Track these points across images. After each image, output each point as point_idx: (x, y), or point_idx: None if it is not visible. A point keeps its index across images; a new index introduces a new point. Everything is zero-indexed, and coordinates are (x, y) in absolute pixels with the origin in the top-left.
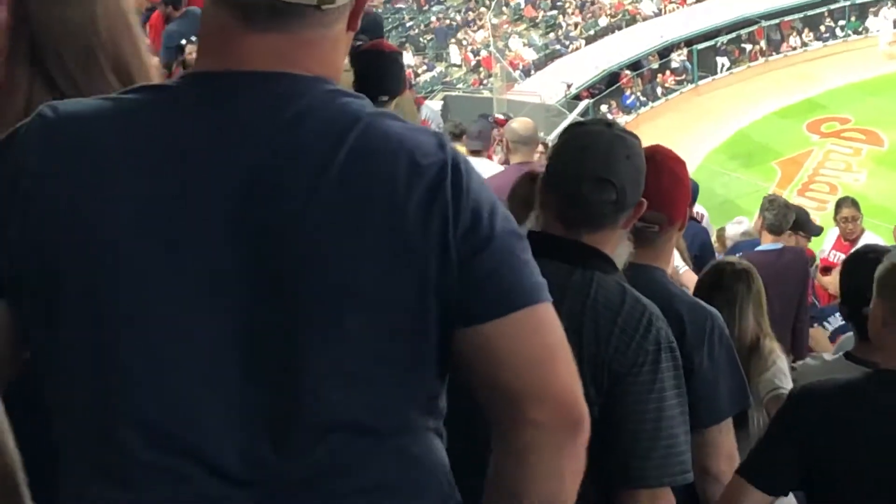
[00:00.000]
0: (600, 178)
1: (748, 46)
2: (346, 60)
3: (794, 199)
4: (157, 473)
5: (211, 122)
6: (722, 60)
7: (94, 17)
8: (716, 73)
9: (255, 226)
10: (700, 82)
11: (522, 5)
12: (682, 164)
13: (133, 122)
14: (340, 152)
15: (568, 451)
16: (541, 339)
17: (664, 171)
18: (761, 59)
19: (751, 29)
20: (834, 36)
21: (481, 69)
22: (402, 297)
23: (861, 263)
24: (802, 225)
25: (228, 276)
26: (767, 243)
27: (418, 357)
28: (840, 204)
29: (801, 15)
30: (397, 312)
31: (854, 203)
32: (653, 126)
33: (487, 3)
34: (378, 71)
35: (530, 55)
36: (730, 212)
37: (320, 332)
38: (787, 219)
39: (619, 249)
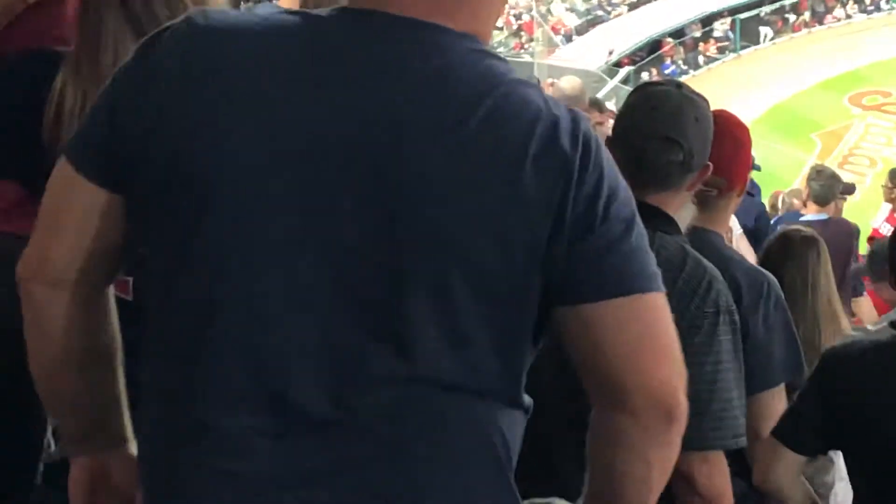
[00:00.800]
0: (668, 137)
1: (792, 17)
2: None
3: None
4: (239, 401)
5: (351, 59)
6: (765, 30)
7: None
8: (759, 43)
9: (374, 168)
10: (742, 52)
11: None
12: (744, 129)
13: (276, 44)
14: (475, 113)
15: (659, 440)
16: (643, 327)
17: (727, 135)
18: (805, 31)
19: None
20: (879, 8)
21: (522, 33)
22: (511, 263)
23: None
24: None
25: (338, 213)
26: (812, 213)
27: (517, 326)
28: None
29: None
30: (503, 278)
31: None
32: None
33: None
34: None
35: (572, 20)
36: (769, 183)
37: (423, 284)
38: (833, 190)
39: (683, 212)
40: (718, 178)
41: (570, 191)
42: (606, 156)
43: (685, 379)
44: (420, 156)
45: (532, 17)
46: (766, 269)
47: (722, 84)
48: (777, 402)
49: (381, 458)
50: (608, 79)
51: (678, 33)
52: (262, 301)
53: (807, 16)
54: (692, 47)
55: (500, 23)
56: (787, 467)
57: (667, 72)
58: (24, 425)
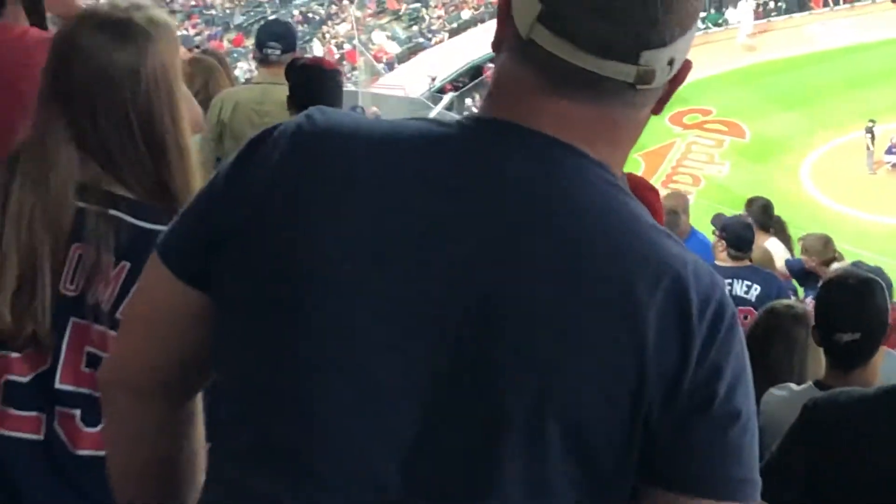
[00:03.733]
0: None
1: None
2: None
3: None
4: None
5: (473, 168)
6: None
7: (138, 71)
8: None
9: (482, 295)
10: None
11: None
12: (655, 193)
13: (391, 148)
14: (599, 251)
15: None
16: None
17: (638, 199)
18: None
19: None
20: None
21: (345, 63)
22: (612, 422)
23: (838, 289)
24: None
25: (436, 337)
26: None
27: (605, 490)
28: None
29: None
30: (601, 435)
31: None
32: None
33: None
34: (316, 88)
35: (394, 48)
36: None
37: (517, 426)
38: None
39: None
40: None
41: (690, 358)
42: (739, 336)
43: None
44: (532, 288)
45: (354, 47)
46: (751, 343)
47: None
48: None
49: None
50: (432, 105)
51: None
52: (348, 431)
53: None
54: None
55: (321, 53)
56: None
57: None
58: None
